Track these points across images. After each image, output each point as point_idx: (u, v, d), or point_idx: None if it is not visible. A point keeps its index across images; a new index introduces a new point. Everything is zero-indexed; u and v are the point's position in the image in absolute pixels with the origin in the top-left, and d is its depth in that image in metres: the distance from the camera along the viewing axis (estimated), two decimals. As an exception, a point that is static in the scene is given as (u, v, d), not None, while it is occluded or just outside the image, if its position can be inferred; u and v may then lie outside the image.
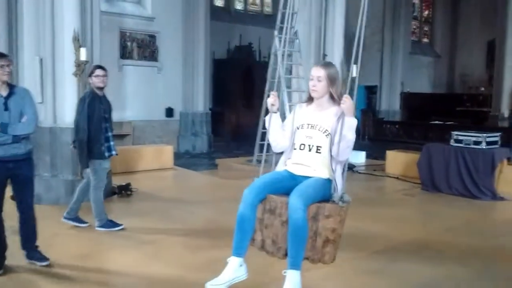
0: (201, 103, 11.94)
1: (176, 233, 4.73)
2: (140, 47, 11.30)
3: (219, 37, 13.83)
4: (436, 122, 15.66)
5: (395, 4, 18.18)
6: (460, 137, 7.00)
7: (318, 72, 2.68)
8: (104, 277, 3.65)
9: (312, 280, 3.59)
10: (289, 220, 2.41)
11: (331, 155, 2.57)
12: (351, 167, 8.75)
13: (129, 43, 11.13)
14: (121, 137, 10.74)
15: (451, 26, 21.83)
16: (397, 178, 8.00)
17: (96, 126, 4.52)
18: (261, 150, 9.16)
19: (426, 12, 21.72)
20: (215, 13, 13.01)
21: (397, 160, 8.44)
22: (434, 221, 5.59)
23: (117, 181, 6.47)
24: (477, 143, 6.79)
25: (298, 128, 2.72)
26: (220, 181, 7.95)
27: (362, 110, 16.93)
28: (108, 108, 4.74)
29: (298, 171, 2.65)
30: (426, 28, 21.76)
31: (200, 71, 11.79)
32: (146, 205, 5.94)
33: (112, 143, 4.70)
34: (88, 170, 4.57)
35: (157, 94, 11.38)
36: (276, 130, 2.78)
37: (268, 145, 2.93)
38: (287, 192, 2.52)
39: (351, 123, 2.51)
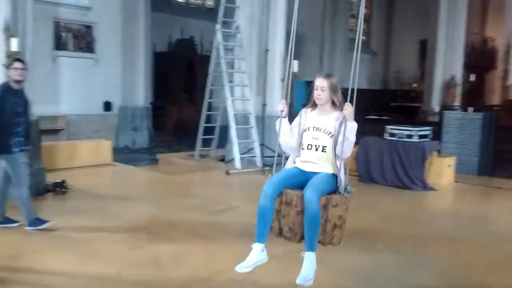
0: (141, 97, 11.68)
1: (115, 230, 4.60)
2: (76, 38, 10.85)
3: (160, 29, 13.55)
4: (372, 117, 16.29)
5: (334, 2, 18.66)
6: (394, 131, 7.33)
7: (322, 83, 3.09)
8: (37, 278, 3.50)
9: (251, 274, 3.62)
10: (305, 210, 2.82)
11: (335, 154, 2.99)
12: (292, 161, 8.92)
13: (64, 34, 10.66)
14: (54, 132, 10.28)
15: (387, 24, 22.75)
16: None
17: (7, 120, 4.34)
18: (203, 145, 9.14)
19: (364, 10, 22.47)
20: (155, 5, 12.72)
21: (335, 154, 8.68)
22: (370, 211, 5.83)
23: (51, 178, 6.19)
24: (409, 136, 7.14)
25: (305, 131, 3.11)
26: (161, 177, 7.83)
27: (303, 105, 17.22)
28: (23, 102, 4.53)
29: (307, 168, 3.05)
30: (364, 26, 22.53)
31: (140, 64, 11.52)
32: (82, 203, 5.73)
33: (22, 138, 4.48)
34: (3, 166, 4.40)
35: (94, 87, 10.97)
36: (286, 133, 3.16)
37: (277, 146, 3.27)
38: (299, 186, 2.95)
39: (353, 126, 2.97)
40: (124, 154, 10.11)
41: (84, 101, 10.77)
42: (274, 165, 3.28)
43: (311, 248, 2.87)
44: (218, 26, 8.75)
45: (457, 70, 15.24)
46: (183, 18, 15.14)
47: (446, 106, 13.56)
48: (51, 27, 10.32)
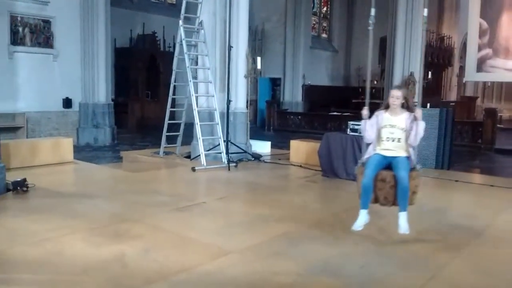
0: (102, 93, 11.43)
1: (78, 228, 4.52)
2: (33, 33, 10.51)
3: (120, 24, 13.33)
4: (335, 113, 16.57)
5: (296, 0, 18.84)
6: (356, 127, 7.49)
7: (397, 94, 4.32)
8: (1, 277, 3.40)
9: (218, 268, 3.66)
10: (399, 185, 4.10)
11: (407, 143, 4.24)
12: (257, 157, 8.98)
13: (20, 29, 10.31)
14: (13, 129, 9.97)
15: (347, 22, 23.15)
16: (300, 166, 8.37)
17: None
18: (168, 142, 9.07)
19: (325, 8, 22.78)
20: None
21: (300, 149, 8.82)
22: (333, 204, 5.97)
23: (11, 177, 5.99)
24: (371, 132, 7.32)
25: (382, 128, 4.32)
26: (125, 174, 7.72)
27: (267, 102, 17.36)
28: None
29: (388, 154, 4.29)
30: (324, 24, 22.84)
31: (100, 59, 11.27)
32: (44, 201, 5.58)
33: None
34: None
35: (53, 83, 10.68)
36: (369, 130, 4.38)
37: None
38: (385, 167, 4.25)
39: (423, 124, 4.20)
40: (86, 152, 9.89)
41: (43, 98, 10.47)
42: (365, 155, 4.35)
43: (404, 209, 4.16)
44: (180, 22, 8.69)
45: (416, 67, 15.72)
46: (144, 13, 14.95)
47: (405, 102, 13.95)
48: (6, 22, 9.98)
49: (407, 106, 4.32)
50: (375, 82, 19.75)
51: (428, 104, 9.80)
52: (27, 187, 5.92)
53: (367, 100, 4.47)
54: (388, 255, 4.05)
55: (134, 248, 4.04)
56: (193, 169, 7.65)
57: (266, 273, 3.59)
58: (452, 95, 23.19)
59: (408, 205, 4.16)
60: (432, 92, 18.79)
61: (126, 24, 13.92)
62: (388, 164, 4.24)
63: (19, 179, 5.91)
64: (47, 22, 10.67)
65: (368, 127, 4.38)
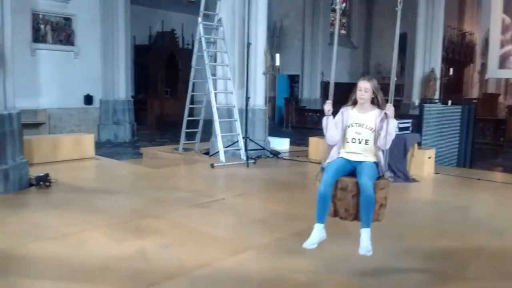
0: (122, 90, 11.56)
1: (100, 223, 4.58)
2: (55, 31, 10.67)
3: (140, 22, 13.44)
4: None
5: (315, -4, 18.72)
6: (376, 124, 7.42)
7: (366, 85, 3.56)
8: (22, 269, 3.47)
9: (237, 264, 3.68)
10: (362, 194, 3.33)
11: (376, 145, 3.51)
12: (276, 154, 8.97)
13: (42, 26, 10.48)
14: (36, 126, 10.14)
15: (367, 19, 22.93)
16: (319, 163, 8.30)
17: None
18: (187, 139, 9.12)
19: (344, 5, 22.60)
20: (135, -3, 12.59)
21: (319, 146, 8.77)
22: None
23: (34, 172, 6.11)
24: (391, 129, 7.24)
25: (348, 127, 3.60)
26: (145, 170, 7.79)
27: (285, 99, 17.32)
28: None
29: (353, 158, 3.55)
30: (343, 21, 22.66)
31: (121, 57, 11.40)
32: (66, 196, 5.68)
33: None
34: None
35: (74, 80, 10.83)
36: (332, 129, 3.63)
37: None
38: (348, 174, 3.51)
39: (394, 123, 3.49)
40: (106, 148, 10.02)
41: (64, 95, 10.64)
42: (327, 159, 3.66)
43: (367, 225, 3.40)
44: (200, 19, 8.72)
45: (436, 64, 15.51)
46: (163, 10, 15.04)
47: (426, 100, 13.78)
48: (29, 19, 10.14)
49: (377, 101, 3.59)
50: (395, 79, 19.55)
51: (450, 101, 9.65)
52: (50, 182, 6.02)
53: (330, 92, 3.75)
54: (406, 254, 4.00)
55: (155, 243, 4.08)
56: (212, 166, 7.69)
57: (283, 270, 3.59)
58: (474, 92, 22.81)
59: (373, 220, 3.44)
60: (453, 89, 18.51)
61: (146, 22, 14.03)
62: (353, 170, 3.51)
63: (42, 174, 6.01)
64: (68, 20, 10.82)
65: (330, 125, 3.63)
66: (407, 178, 7.07)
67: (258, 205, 5.79)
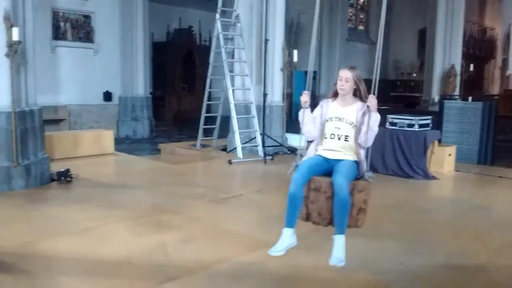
0: (141, 87, 11.68)
1: (121, 218, 4.64)
2: (74, 28, 10.81)
3: (158, 19, 13.50)
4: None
5: (333, -8, 18.56)
6: (395, 120, 7.36)
7: (346, 74, 3.20)
8: (46, 264, 3.53)
9: (256, 260, 3.68)
10: (336, 196, 2.96)
11: (356, 143, 3.14)
12: (293, 150, 8.95)
13: (62, 24, 10.62)
14: (56, 122, 10.30)
15: (385, 14, 22.64)
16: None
17: None
18: (205, 135, 9.16)
19: (362, 0, 22.38)
20: (153, -6, 12.67)
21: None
22: (372, 199, 5.87)
23: (55, 167, 6.21)
24: (410, 125, 7.17)
25: (327, 121, 3.23)
26: (164, 166, 7.85)
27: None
28: None
29: (330, 155, 3.19)
30: (361, 16, 22.45)
31: (139, 54, 11.51)
32: (87, 191, 5.76)
33: None
34: None
35: (93, 77, 10.97)
36: (309, 123, 3.26)
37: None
38: (324, 173, 3.12)
39: (377, 117, 3.09)
40: (125, 144, 10.13)
41: (84, 91, 10.78)
42: (306, 156, 3.35)
43: (341, 231, 3.03)
44: (217, 16, 8.73)
45: (456, 59, 15.27)
46: (181, 8, 15.06)
47: (446, 96, 13.60)
48: (49, 17, 10.30)
49: (359, 94, 3.23)
50: (414, 75, 19.33)
51: (470, 98, 9.51)
52: (71, 177, 6.12)
53: (309, 80, 3.32)
54: (427, 252, 3.96)
55: (174, 238, 4.12)
56: (230, 162, 7.71)
57: (302, 267, 3.58)
58: (495, 89, 22.39)
59: (350, 226, 3.08)
60: (473, 86, 18.21)
61: (163, 19, 14.08)
62: (330, 169, 3.10)
63: (63, 170, 6.11)
64: (87, 17, 10.95)
65: (307, 119, 3.24)
66: (427, 176, 6.99)
67: (276, 201, 5.76)
